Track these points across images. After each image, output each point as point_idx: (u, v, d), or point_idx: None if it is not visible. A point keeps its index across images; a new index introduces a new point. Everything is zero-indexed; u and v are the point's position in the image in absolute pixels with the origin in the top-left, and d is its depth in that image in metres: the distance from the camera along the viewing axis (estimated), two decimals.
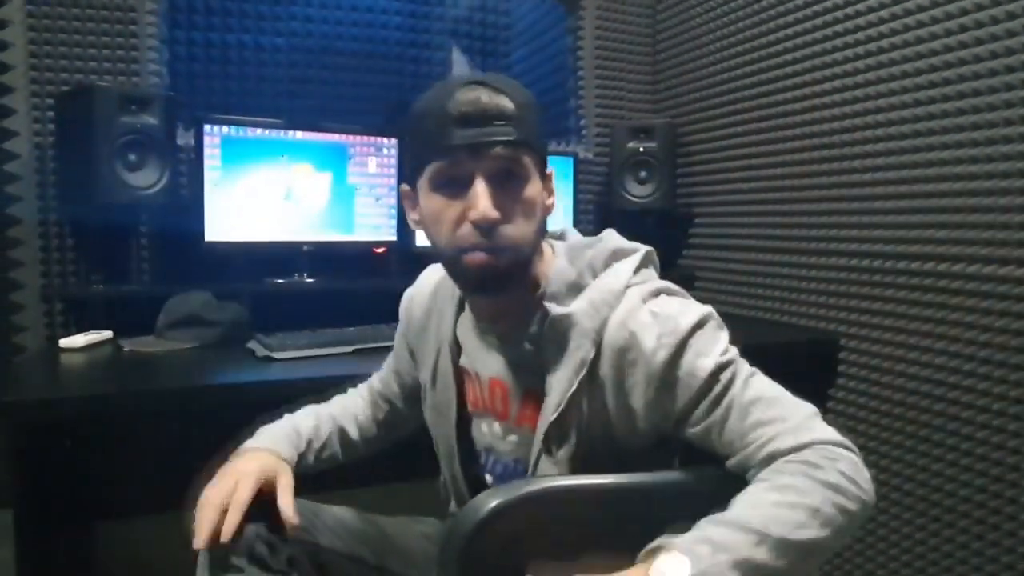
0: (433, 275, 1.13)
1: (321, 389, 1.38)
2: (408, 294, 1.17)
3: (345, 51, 2.32)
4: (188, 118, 1.93)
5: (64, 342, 1.60)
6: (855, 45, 1.74)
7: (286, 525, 0.95)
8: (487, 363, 0.99)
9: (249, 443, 1.06)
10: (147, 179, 1.75)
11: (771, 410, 0.82)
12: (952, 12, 1.52)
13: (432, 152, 0.86)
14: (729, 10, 2.15)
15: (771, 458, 0.78)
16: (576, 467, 0.89)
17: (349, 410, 1.21)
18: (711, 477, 0.82)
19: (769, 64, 2.00)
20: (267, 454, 1.02)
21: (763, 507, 0.73)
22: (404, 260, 2.11)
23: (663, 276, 0.96)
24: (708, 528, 0.71)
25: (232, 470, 0.97)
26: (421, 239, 2.07)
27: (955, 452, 1.53)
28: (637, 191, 2.29)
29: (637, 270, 0.93)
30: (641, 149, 2.28)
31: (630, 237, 1.01)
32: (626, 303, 0.88)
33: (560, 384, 0.89)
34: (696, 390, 0.83)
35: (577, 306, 0.89)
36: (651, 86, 2.58)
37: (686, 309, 0.88)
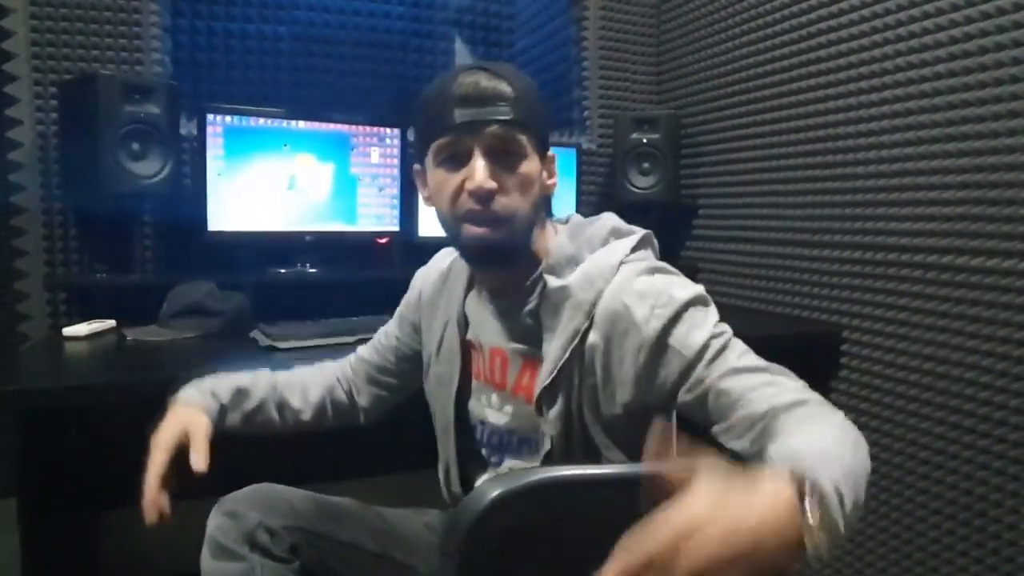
0: (448, 255, 1.17)
1: None
2: (422, 270, 1.22)
3: (348, 41, 2.31)
4: (191, 107, 1.93)
5: (68, 331, 1.60)
6: (860, 36, 1.73)
7: (194, 471, 0.97)
8: (490, 334, 1.03)
9: (178, 395, 1.08)
10: (150, 168, 1.74)
11: (767, 375, 0.84)
12: (958, 3, 1.51)
13: (436, 130, 0.92)
14: (733, 0, 2.14)
15: (775, 411, 0.79)
16: (562, 429, 0.93)
17: (302, 380, 1.22)
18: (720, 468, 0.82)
19: (773, 55, 2.00)
20: (184, 409, 1.05)
21: (818, 440, 0.72)
22: (407, 250, 2.11)
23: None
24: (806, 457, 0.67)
25: (152, 442, 1.01)
26: (423, 229, 2.08)
27: (957, 445, 1.53)
28: (640, 182, 2.29)
29: (634, 249, 0.96)
30: (644, 140, 2.27)
31: None
32: (620, 277, 0.92)
33: (554, 352, 0.93)
34: (689, 359, 0.85)
35: (573, 278, 0.93)
36: (655, 77, 2.57)
37: (681, 285, 0.91)
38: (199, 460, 0.97)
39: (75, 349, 1.54)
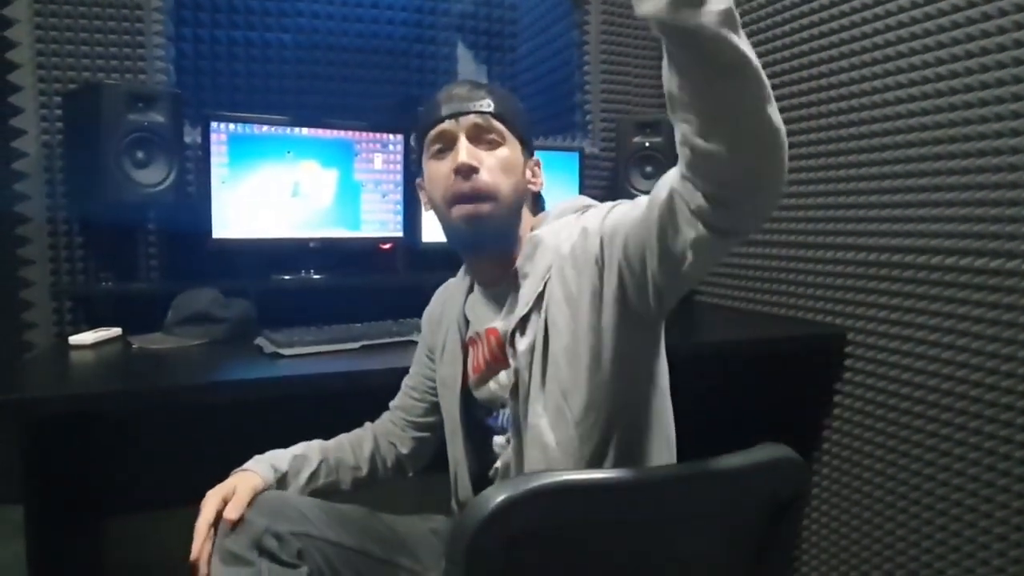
0: (445, 286, 1.27)
1: (328, 385, 1.39)
2: (427, 311, 1.30)
3: (351, 47, 2.32)
4: (195, 115, 1.94)
5: (74, 339, 1.61)
6: (862, 38, 1.73)
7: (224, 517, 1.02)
8: (486, 319, 1.11)
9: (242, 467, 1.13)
10: (154, 176, 1.75)
11: None
12: (959, 3, 1.51)
13: (427, 125, 1.07)
14: (735, 4, 2.14)
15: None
16: (528, 361, 0.99)
17: (350, 440, 1.28)
18: (722, 472, 0.82)
19: (775, 58, 2.00)
20: (241, 474, 1.10)
21: None
22: (411, 256, 2.11)
23: None
24: None
25: (205, 499, 1.05)
26: (427, 235, 2.09)
27: (963, 447, 1.52)
28: (643, 186, 2.29)
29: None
30: (647, 144, 2.27)
31: None
32: (580, 222, 1.01)
33: (528, 290, 1.02)
34: (600, 215, 0.97)
35: (545, 229, 1.05)
36: (657, 80, 2.56)
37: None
38: (231, 508, 1.02)
39: (81, 357, 1.54)
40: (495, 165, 1.03)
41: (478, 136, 1.04)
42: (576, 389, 0.96)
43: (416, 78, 2.38)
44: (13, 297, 1.82)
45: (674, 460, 1.05)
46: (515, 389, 1.01)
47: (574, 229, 1.00)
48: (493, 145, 1.05)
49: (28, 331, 1.83)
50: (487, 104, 1.05)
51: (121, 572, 1.88)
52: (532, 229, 1.08)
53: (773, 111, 0.72)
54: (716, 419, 1.15)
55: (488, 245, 1.08)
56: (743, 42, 0.68)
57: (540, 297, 1.00)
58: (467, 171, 1.01)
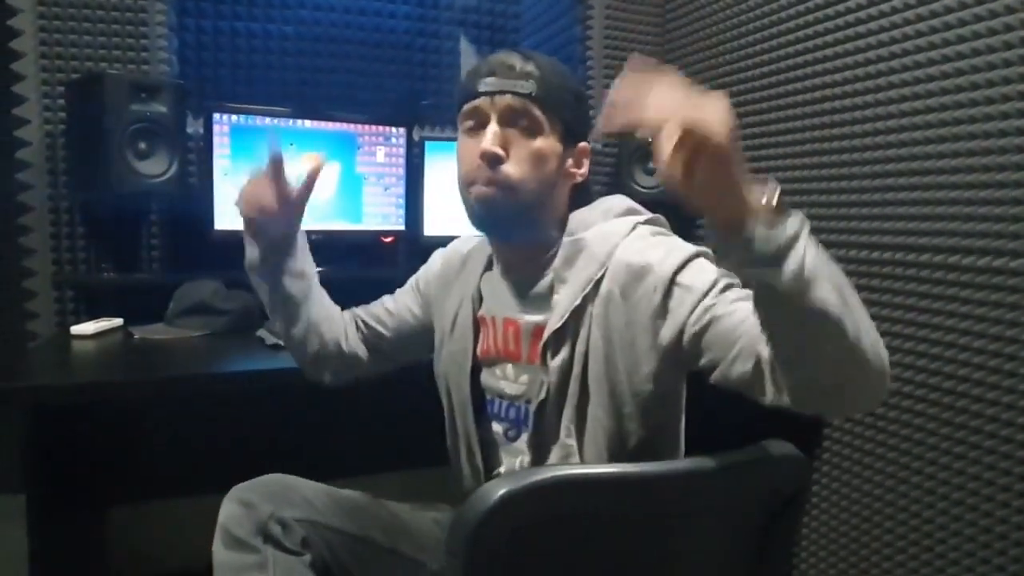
0: (469, 241, 1.20)
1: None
2: (442, 250, 1.25)
3: (354, 40, 2.31)
4: (197, 107, 1.94)
5: (75, 329, 1.61)
6: (867, 35, 1.73)
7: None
8: (503, 307, 1.06)
9: None
10: (157, 167, 1.75)
11: None
12: (967, 1, 1.50)
13: (463, 98, 1.01)
14: (739, 0, 2.14)
15: None
16: (560, 380, 0.96)
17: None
18: (724, 468, 0.82)
19: (778, 55, 1.99)
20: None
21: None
22: (412, 249, 2.11)
23: None
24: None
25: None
26: (429, 228, 2.08)
27: (964, 444, 1.52)
28: (646, 181, 2.29)
29: (648, 221, 1.03)
30: (650, 139, 2.27)
31: None
32: (636, 233, 0.98)
33: (565, 299, 0.97)
34: (700, 292, 0.88)
35: (590, 233, 1.01)
36: None
37: (690, 244, 0.97)
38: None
39: (82, 347, 1.55)
40: (525, 156, 0.97)
41: (512, 120, 0.97)
42: (608, 416, 0.95)
43: (419, 71, 2.38)
44: (15, 287, 1.82)
45: (679, 455, 1.05)
46: (543, 403, 0.99)
47: (637, 253, 0.94)
48: (527, 132, 0.98)
49: (30, 321, 1.83)
50: (528, 86, 0.96)
51: (123, 561, 1.89)
52: (568, 228, 1.02)
53: (861, 348, 0.71)
54: (718, 416, 1.15)
55: (500, 232, 1.04)
56: (822, 293, 0.68)
57: (578, 311, 0.96)
58: (492, 160, 0.96)
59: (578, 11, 2.49)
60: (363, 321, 1.26)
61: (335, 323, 1.23)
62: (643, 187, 2.28)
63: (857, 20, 1.75)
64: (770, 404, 0.79)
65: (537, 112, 0.97)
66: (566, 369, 0.96)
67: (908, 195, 1.64)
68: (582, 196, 1.08)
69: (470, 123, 1.00)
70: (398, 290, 1.27)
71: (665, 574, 0.87)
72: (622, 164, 2.32)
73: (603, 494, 0.79)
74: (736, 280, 0.90)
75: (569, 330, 0.96)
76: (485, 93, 0.97)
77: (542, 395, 0.98)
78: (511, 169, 0.96)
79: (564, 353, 0.96)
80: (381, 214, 2.06)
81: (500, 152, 0.96)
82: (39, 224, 1.84)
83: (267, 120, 1.88)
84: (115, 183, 1.70)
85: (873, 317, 1.78)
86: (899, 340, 1.66)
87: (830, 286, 0.69)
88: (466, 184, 1.00)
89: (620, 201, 1.06)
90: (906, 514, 1.65)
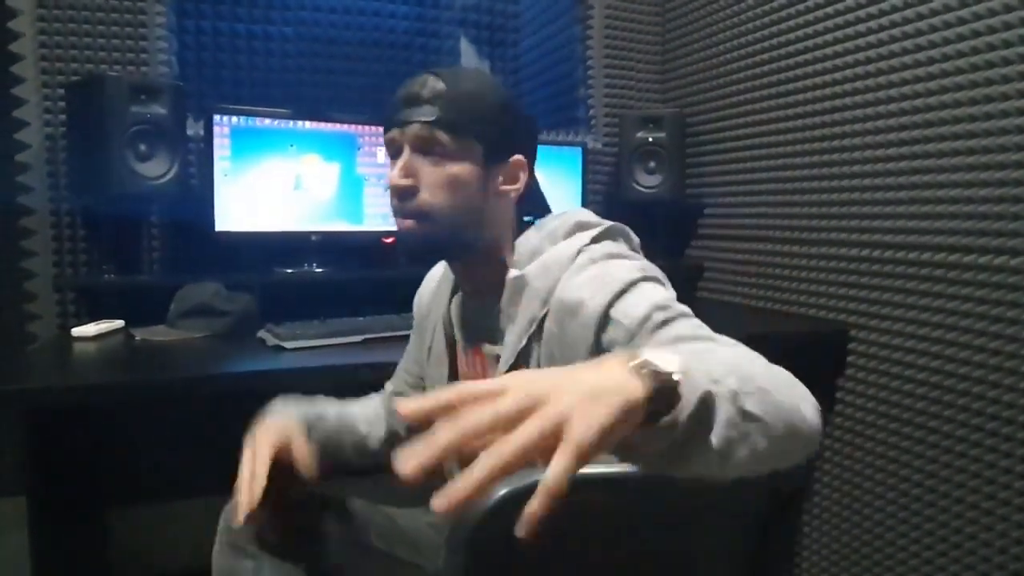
0: (438, 269, 1.17)
1: (331, 378, 1.39)
2: (418, 292, 1.22)
3: (354, 41, 2.31)
4: (197, 108, 1.94)
5: (76, 331, 1.61)
6: (867, 34, 1.73)
7: (304, 471, 0.97)
8: (469, 335, 1.04)
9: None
10: (157, 169, 1.75)
11: (710, 344, 0.78)
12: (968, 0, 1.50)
13: (384, 127, 1.00)
14: (739, 0, 2.14)
15: None
16: None
17: (358, 411, 1.22)
18: None
19: (779, 53, 1.99)
20: (275, 421, 1.03)
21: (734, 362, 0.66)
22: None
23: (670, 265, 0.97)
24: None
25: (248, 448, 0.99)
26: None
27: (965, 443, 1.52)
28: (646, 181, 2.29)
29: (596, 239, 0.96)
30: (650, 139, 2.27)
31: (638, 227, 1.03)
32: (576, 264, 0.92)
33: (511, 341, 0.94)
34: (630, 329, 0.83)
35: (531, 268, 0.95)
36: (660, 75, 2.57)
37: (631, 268, 0.90)
38: (304, 461, 0.97)
39: (83, 349, 1.55)
40: (436, 182, 0.94)
41: (423, 148, 0.94)
42: None
43: (419, 71, 2.37)
44: (16, 289, 1.83)
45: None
46: None
47: (574, 288, 0.89)
48: (439, 158, 0.94)
49: (31, 323, 1.84)
50: (431, 111, 0.93)
51: (124, 564, 1.89)
52: (513, 257, 0.97)
53: (779, 451, 0.63)
54: None
55: (429, 262, 1.05)
56: (742, 453, 0.60)
57: (525, 351, 0.93)
58: (401, 193, 0.95)
59: (578, 11, 2.49)
60: (396, 393, 1.25)
61: (375, 424, 1.22)
62: (643, 186, 2.28)
63: (857, 19, 1.75)
64: None
65: (446, 138, 0.93)
66: None
67: (908, 194, 1.64)
68: (531, 205, 1.03)
69: (390, 152, 0.99)
70: (407, 347, 1.26)
71: (665, 574, 0.87)
72: (622, 164, 2.32)
73: (603, 495, 0.79)
74: (677, 310, 0.85)
75: (519, 368, 0.93)
76: (395, 124, 0.96)
77: None
78: (425, 197, 0.94)
79: None
80: (382, 215, 2.06)
81: (407, 183, 0.94)
82: (40, 226, 1.84)
83: (267, 121, 1.88)
84: (116, 185, 1.70)
85: (872, 316, 1.78)
86: (899, 339, 1.66)
87: (748, 445, 0.60)
88: (393, 215, 0.99)
89: (568, 217, 0.99)
90: (906, 512, 1.65)
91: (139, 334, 1.63)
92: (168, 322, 1.69)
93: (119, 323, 1.70)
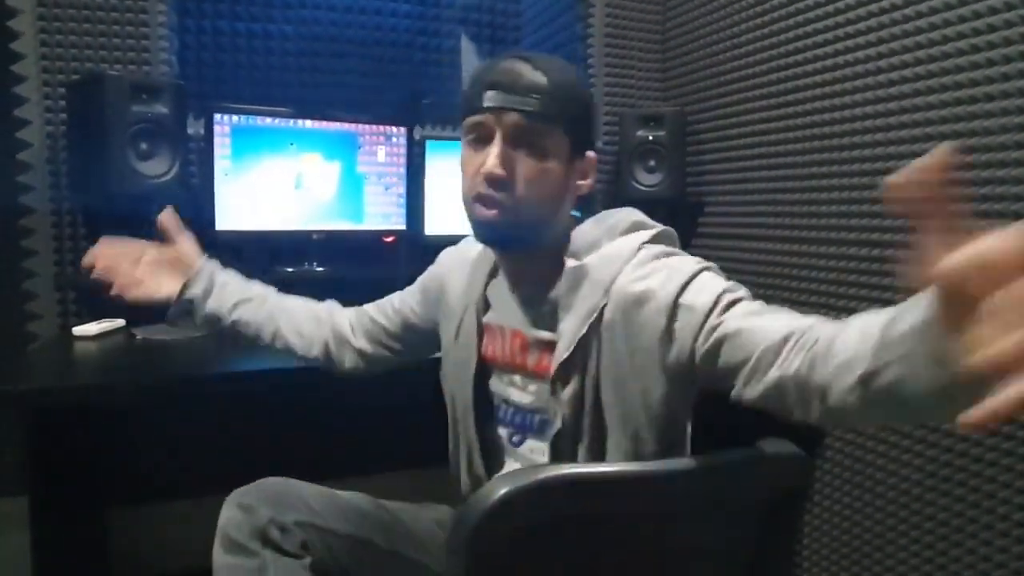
0: (469, 250, 1.17)
1: (331, 376, 1.39)
2: (450, 250, 1.22)
3: (354, 40, 2.31)
4: (198, 107, 1.94)
5: (77, 330, 1.61)
6: (867, 32, 1.73)
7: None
8: (511, 317, 1.04)
9: None
10: (158, 168, 1.75)
11: (785, 314, 0.85)
12: None
13: (467, 109, 0.96)
14: (738, 0, 2.14)
15: (802, 328, 0.80)
16: (574, 409, 0.95)
17: (301, 312, 1.27)
18: (725, 467, 0.82)
19: (779, 52, 1.99)
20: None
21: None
22: (414, 249, 2.11)
23: None
24: None
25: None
26: (430, 228, 2.08)
27: (966, 442, 1.52)
28: (646, 180, 2.28)
29: (654, 239, 0.99)
30: (650, 137, 2.27)
31: None
32: (638, 258, 0.95)
33: (570, 329, 0.94)
34: (703, 312, 0.86)
35: (592, 258, 0.97)
36: (661, 74, 2.57)
37: (691, 261, 0.95)
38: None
39: (85, 348, 1.55)
40: (531, 177, 0.93)
41: (518, 138, 0.93)
42: (626, 439, 0.94)
43: (420, 71, 2.38)
44: (17, 288, 1.83)
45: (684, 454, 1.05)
46: (558, 433, 0.97)
47: (638, 280, 0.92)
48: (533, 152, 0.93)
49: (32, 322, 1.84)
50: (534, 104, 0.91)
51: (125, 563, 1.89)
52: (571, 247, 0.99)
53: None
54: (719, 414, 1.15)
55: (504, 250, 1.03)
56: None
57: (584, 341, 0.94)
58: (496, 182, 0.93)
59: (579, 10, 2.49)
60: (370, 316, 1.26)
61: (320, 325, 1.25)
62: (643, 185, 2.28)
63: (858, 17, 1.75)
64: (795, 420, 0.78)
65: (544, 131, 0.93)
66: (578, 399, 0.95)
67: None
68: (585, 202, 1.06)
69: (473, 135, 0.96)
70: (407, 287, 1.27)
71: (666, 573, 0.88)
72: (622, 162, 2.32)
73: (604, 493, 0.79)
74: (742, 292, 0.89)
75: (577, 360, 0.94)
76: (489, 109, 0.93)
77: (558, 425, 0.96)
78: (516, 192, 0.93)
79: (574, 384, 0.95)
80: (382, 214, 2.06)
81: (503, 174, 0.92)
82: (41, 226, 1.84)
83: (268, 120, 1.88)
84: (116, 184, 1.70)
85: None
86: None
87: None
88: (470, 198, 0.96)
89: (627, 215, 1.02)
90: (907, 512, 1.65)
91: (140, 333, 1.63)
92: (169, 321, 1.69)
93: (120, 322, 1.70)
